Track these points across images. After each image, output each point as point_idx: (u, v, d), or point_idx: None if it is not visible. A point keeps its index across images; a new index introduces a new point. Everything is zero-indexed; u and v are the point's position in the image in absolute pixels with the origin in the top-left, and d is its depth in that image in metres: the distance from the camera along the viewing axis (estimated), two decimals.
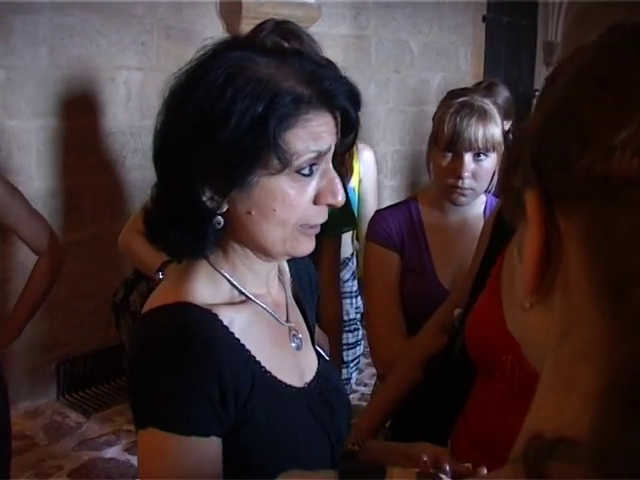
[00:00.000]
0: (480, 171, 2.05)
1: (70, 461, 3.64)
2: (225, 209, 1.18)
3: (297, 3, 4.69)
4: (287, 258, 1.31)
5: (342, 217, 2.45)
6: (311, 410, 1.31)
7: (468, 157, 2.03)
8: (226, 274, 1.24)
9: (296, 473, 0.65)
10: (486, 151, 2.04)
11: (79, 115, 4.05)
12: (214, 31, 4.57)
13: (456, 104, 2.04)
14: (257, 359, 1.23)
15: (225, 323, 1.20)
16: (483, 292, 1.66)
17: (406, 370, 1.90)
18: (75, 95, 4.00)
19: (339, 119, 1.22)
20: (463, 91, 2.13)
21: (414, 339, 1.96)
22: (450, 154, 2.06)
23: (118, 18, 4.09)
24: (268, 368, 1.24)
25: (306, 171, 1.18)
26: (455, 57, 6.73)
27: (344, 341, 3.09)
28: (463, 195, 2.08)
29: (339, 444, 1.36)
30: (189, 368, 1.13)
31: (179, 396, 1.13)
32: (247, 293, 1.27)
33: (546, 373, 0.58)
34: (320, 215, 1.23)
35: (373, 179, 3.40)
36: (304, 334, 1.41)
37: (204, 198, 1.16)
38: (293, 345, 1.35)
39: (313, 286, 1.56)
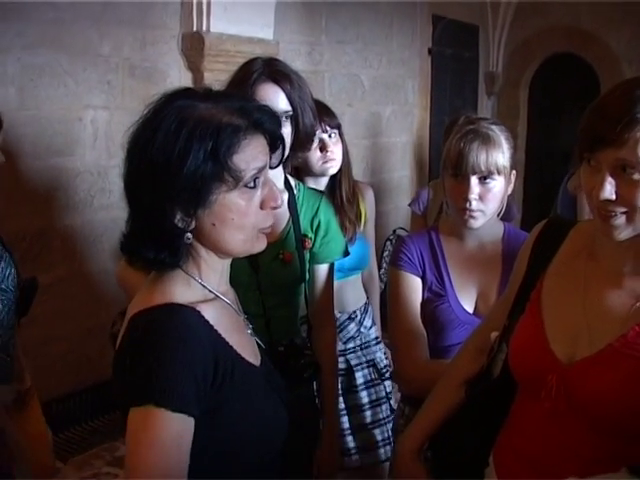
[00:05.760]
0: (487, 194, 2.13)
1: None
2: (193, 226, 1.45)
3: (257, 40, 4.76)
4: (246, 255, 1.56)
5: (334, 246, 2.49)
6: (269, 383, 1.60)
7: (474, 180, 2.12)
8: (197, 277, 1.51)
9: None
10: (490, 174, 2.12)
11: (48, 155, 4.01)
12: (177, 69, 4.61)
13: (463, 131, 2.13)
14: (230, 344, 1.49)
15: (206, 317, 1.46)
16: (524, 315, 1.71)
17: (447, 391, 1.93)
18: (44, 135, 3.96)
19: (269, 140, 1.52)
20: (472, 120, 2.20)
21: (452, 362, 2.00)
22: (458, 178, 2.14)
23: (85, 57, 4.08)
24: (238, 351, 1.51)
25: (251, 184, 1.46)
26: (403, 89, 6.87)
27: (389, 389, 3.08)
28: (472, 217, 2.15)
29: (291, 410, 1.65)
30: (183, 354, 1.36)
31: (175, 377, 1.34)
32: (215, 292, 1.53)
33: None
34: (268, 218, 1.52)
35: (374, 219, 3.37)
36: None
37: (176, 221, 1.43)
38: (249, 332, 1.66)
39: None
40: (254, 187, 1.47)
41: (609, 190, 1.47)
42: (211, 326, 1.46)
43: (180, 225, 1.43)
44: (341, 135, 3.06)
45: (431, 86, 7.23)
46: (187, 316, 1.43)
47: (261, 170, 1.48)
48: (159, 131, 1.40)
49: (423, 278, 2.25)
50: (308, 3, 5.65)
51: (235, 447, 1.48)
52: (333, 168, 3.00)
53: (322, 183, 3.05)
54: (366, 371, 3.03)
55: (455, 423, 1.89)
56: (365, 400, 2.99)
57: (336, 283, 2.92)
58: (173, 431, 1.33)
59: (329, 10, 5.88)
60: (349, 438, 2.96)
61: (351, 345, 3.04)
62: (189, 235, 1.45)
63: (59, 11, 3.91)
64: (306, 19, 5.68)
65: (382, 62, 6.51)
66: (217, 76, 4.60)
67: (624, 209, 1.48)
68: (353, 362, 3.03)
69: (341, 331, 3.03)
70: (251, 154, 1.45)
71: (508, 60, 8.09)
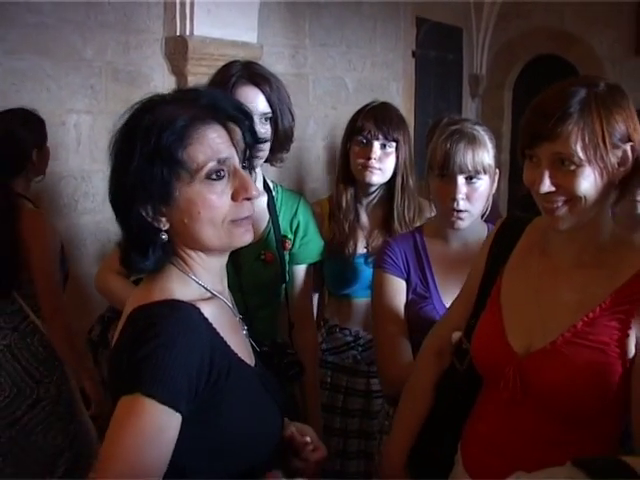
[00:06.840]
0: (474, 193, 2.16)
1: None
2: (167, 225, 1.46)
3: (240, 43, 4.75)
4: (228, 250, 1.56)
5: (313, 246, 2.52)
6: (263, 384, 1.61)
7: (461, 179, 2.14)
8: (192, 276, 1.51)
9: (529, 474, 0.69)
10: (477, 174, 2.14)
11: None
12: (160, 73, 4.60)
13: (448, 131, 2.14)
14: (228, 343, 1.51)
15: (206, 315, 1.47)
16: (484, 312, 1.80)
17: (421, 395, 1.98)
18: None
19: (237, 130, 1.51)
20: (456, 120, 2.22)
21: (415, 372, 2.04)
22: (444, 178, 2.15)
23: (68, 61, 4.07)
24: (235, 351, 1.52)
25: (214, 176, 1.44)
26: (388, 92, 6.87)
27: None
28: (459, 218, 2.17)
29: (284, 411, 1.68)
30: (181, 350, 1.36)
31: (169, 370, 1.34)
32: (212, 291, 1.54)
33: None
34: (244, 209, 1.49)
35: None
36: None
37: (148, 218, 1.44)
38: (244, 333, 1.67)
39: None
40: (219, 179, 1.45)
41: (547, 184, 1.55)
42: (210, 324, 1.47)
43: (154, 224, 1.45)
44: (398, 150, 2.87)
45: (415, 88, 7.24)
46: (187, 312, 1.44)
47: (224, 161, 1.46)
48: (125, 134, 1.45)
49: (407, 280, 2.27)
50: (292, 6, 5.65)
51: (229, 446, 1.48)
52: (372, 177, 2.84)
53: (367, 193, 2.93)
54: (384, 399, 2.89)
55: (429, 422, 1.94)
56: (377, 427, 2.88)
57: (365, 300, 2.85)
58: (157, 423, 1.33)
59: (313, 13, 5.89)
60: (354, 462, 2.92)
61: (376, 368, 2.83)
62: (164, 234, 1.47)
63: (42, 16, 3.90)
64: (290, 22, 5.68)
65: (366, 65, 6.52)
66: (201, 80, 4.58)
67: (564, 197, 1.56)
68: (374, 387, 2.91)
69: (365, 351, 2.92)
70: (208, 145, 1.43)
71: (492, 62, 8.11)
